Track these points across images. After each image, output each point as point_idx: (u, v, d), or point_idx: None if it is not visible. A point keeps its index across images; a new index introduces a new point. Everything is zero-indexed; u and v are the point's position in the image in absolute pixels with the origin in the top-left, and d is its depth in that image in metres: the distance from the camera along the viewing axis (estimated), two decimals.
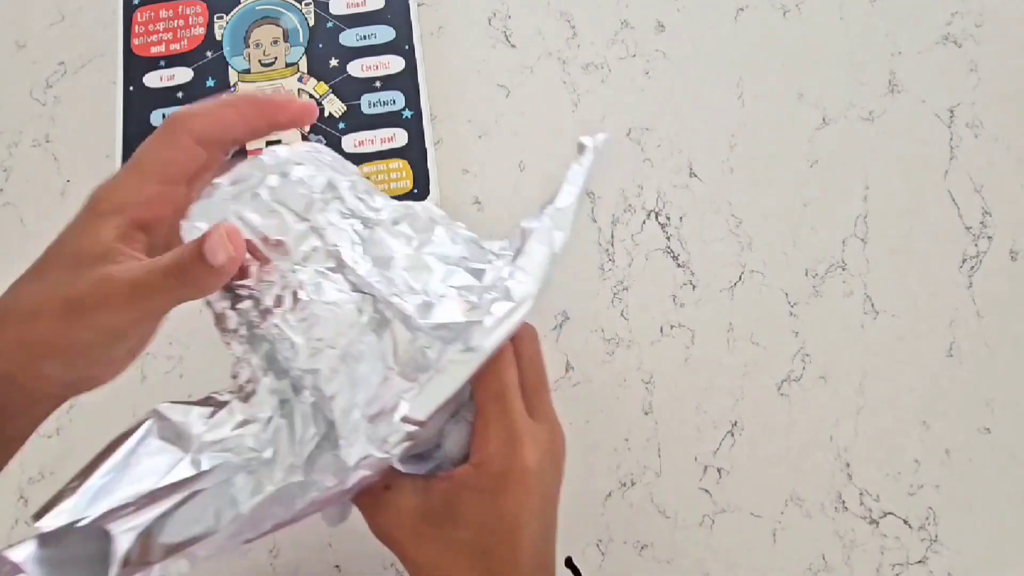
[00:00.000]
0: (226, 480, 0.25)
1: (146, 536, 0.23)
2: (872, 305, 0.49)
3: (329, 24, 0.52)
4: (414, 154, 0.49)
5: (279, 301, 0.27)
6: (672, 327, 0.49)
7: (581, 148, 0.32)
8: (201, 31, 0.52)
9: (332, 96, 0.51)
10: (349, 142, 0.50)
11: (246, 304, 0.28)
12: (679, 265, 0.50)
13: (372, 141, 0.50)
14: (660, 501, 0.46)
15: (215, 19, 0.53)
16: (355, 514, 0.44)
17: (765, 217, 0.50)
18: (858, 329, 0.49)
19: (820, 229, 0.50)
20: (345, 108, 0.50)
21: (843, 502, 0.46)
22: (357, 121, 0.50)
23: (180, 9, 0.53)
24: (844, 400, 0.48)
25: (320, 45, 0.52)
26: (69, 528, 0.22)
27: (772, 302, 0.49)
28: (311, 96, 0.51)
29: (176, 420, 0.25)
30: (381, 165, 0.49)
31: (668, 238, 0.50)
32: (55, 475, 0.46)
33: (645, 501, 0.46)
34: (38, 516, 0.22)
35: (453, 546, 0.27)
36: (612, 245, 0.50)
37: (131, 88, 0.51)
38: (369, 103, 0.50)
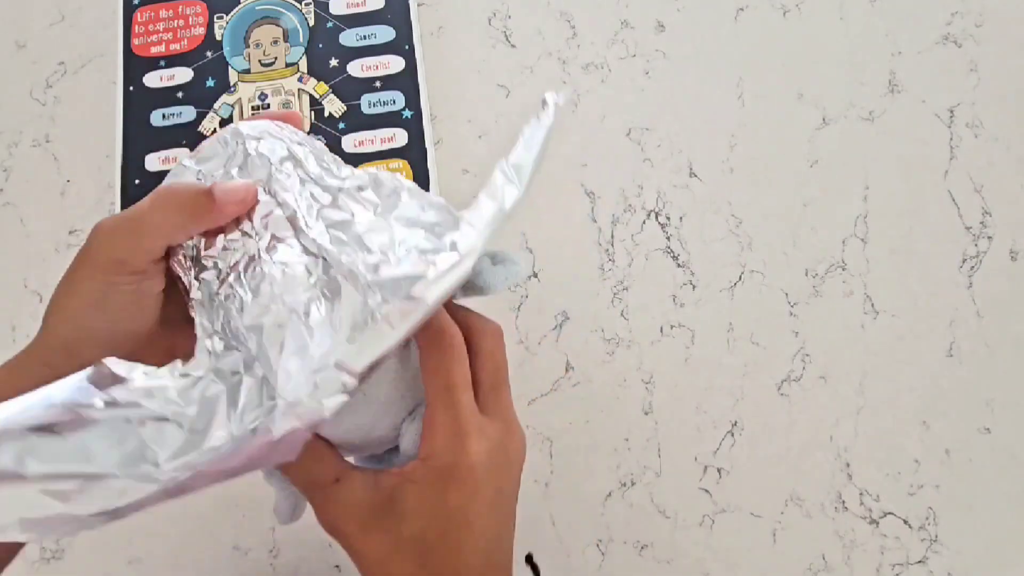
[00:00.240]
0: (132, 421, 0.24)
1: (23, 451, 0.22)
2: (872, 305, 0.49)
3: (329, 24, 0.52)
4: (414, 154, 0.49)
5: (235, 266, 0.28)
6: (672, 327, 0.49)
7: (543, 104, 0.31)
8: (201, 31, 0.53)
9: (332, 96, 0.51)
10: (349, 142, 0.50)
11: (209, 274, 0.28)
12: (679, 265, 0.50)
13: (372, 141, 0.50)
14: (660, 501, 0.46)
15: (215, 19, 0.53)
16: None
17: (765, 217, 0.50)
18: (858, 329, 0.49)
19: (820, 229, 0.50)
20: (345, 108, 0.50)
21: (843, 502, 0.46)
22: (357, 121, 0.50)
23: (180, 9, 0.53)
24: (844, 400, 0.48)
25: (320, 45, 0.52)
26: None
27: (772, 302, 0.49)
28: (311, 96, 0.51)
29: (116, 370, 0.24)
30: (381, 165, 0.49)
31: (668, 238, 0.50)
32: None
33: (645, 501, 0.46)
34: None
35: (398, 540, 0.27)
36: (612, 245, 0.50)
37: (131, 88, 0.51)
38: (369, 103, 0.50)
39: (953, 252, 0.49)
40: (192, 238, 0.29)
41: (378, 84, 0.51)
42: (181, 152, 0.50)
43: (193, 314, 0.29)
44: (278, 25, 0.53)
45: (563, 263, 0.49)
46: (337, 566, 0.47)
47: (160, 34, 0.52)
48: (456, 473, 0.27)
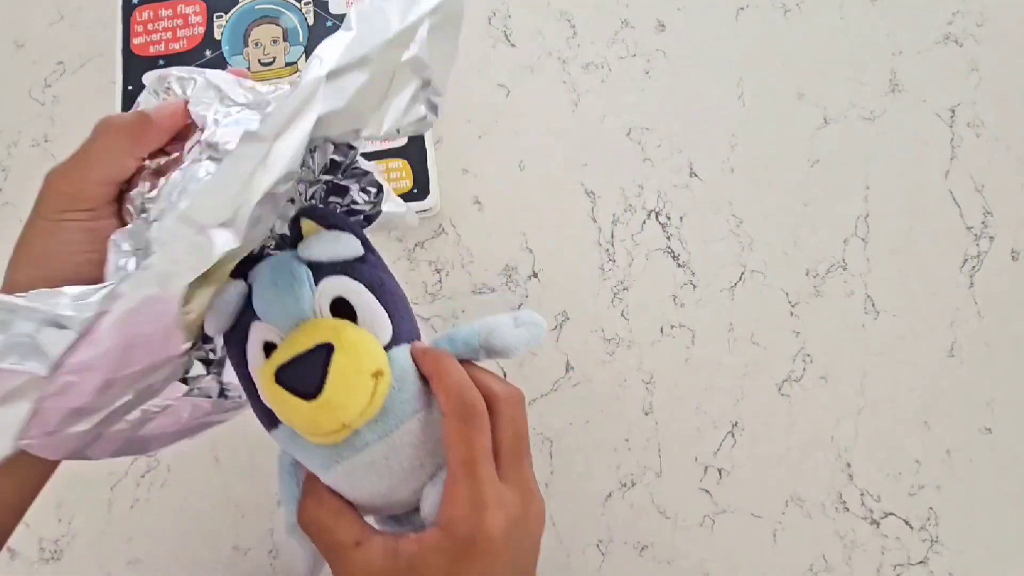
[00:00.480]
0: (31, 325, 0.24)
1: None
2: (873, 305, 0.49)
3: (329, 23, 0.52)
4: (414, 154, 0.49)
5: (157, 182, 0.30)
6: (672, 327, 0.48)
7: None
8: (200, 30, 0.52)
9: None
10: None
11: (136, 191, 0.30)
12: (679, 265, 0.49)
13: (372, 141, 0.49)
14: (660, 501, 0.46)
15: (214, 18, 0.53)
16: None
17: (765, 217, 0.50)
18: (859, 329, 0.48)
19: (821, 229, 0.50)
20: None
21: (844, 502, 0.46)
22: None
23: (179, 8, 0.53)
24: (845, 400, 0.48)
25: None
26: None
27: (772, 302, 0.49)
28: None
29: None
30: (381, 165, 0.49)
31: (668, 238, 0.50)
32: None
33: (645, 501, 0.46)
34: None
35: None
36: (612, 245, 0.50)
37: (130, 88, 0.51)
38: None
39: (954, 252, 0.49)
40: (142, 164, 0.31)
41: None
42: None
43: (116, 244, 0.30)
44: (278, 24, 0.52)
45: (563, 263, 0.49)
46: None
47: (160, 33, 0.52)
48: (475, 545, 0.26)
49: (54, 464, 0.31)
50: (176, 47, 0.52)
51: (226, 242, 0.23)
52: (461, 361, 0.29)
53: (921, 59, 0.52)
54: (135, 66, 0.52)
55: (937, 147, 0.51)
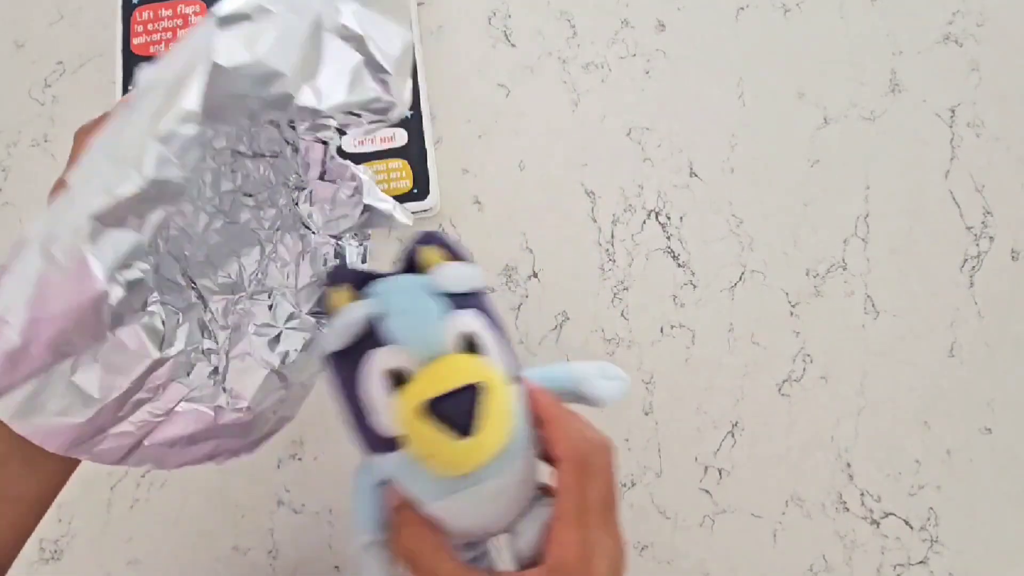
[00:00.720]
0: None
1: None
2: (873, 305, 0.49)
3: None
4: (414, 154, 0.49)
5: None
6: (672, 327, 0.48)
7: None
8: None
9: None
10: (349, 142, 0.50)
11: None
12: (679, 265, 0.49)
13: (372, 140, 0.50)
14: (660, 501, 0.46)
15: None
16: (350, 511, 0.44)
17: (765, 217, 0.50)
18: (859, 329, 0.48)
19: (821, 229, 0.50)
20: None
21: (844, 502, 0.46)
22: None
23: (180, 8, 0.53)
24: (845, 400, 0.48)
25: None
26: None
27: (772, 302, 0.49)
28: None
29: None
30: (381, 165, 0.49)
31: (668, 238, 0.50)
32: None
33: (645, 501, 0.46)
34: None
35: None
36: (612, 245, 0.50)
37: (131, 88, 0.51)
38: None
39: (954, 252, 0.49)
40: None
41: None
42: None
43: None
44: None
45: (563, 263, 0.49)
46: (337, 567, 0.47)
47: (160, 33, 0.52)
48: None
49: (74, 462, 0.31)
50: None
51: (133, 181, 0.24)
52: None
53: (921, 59, 0.52)
54: (135, 66, 0.52)
55: (937, 147, 0.51)
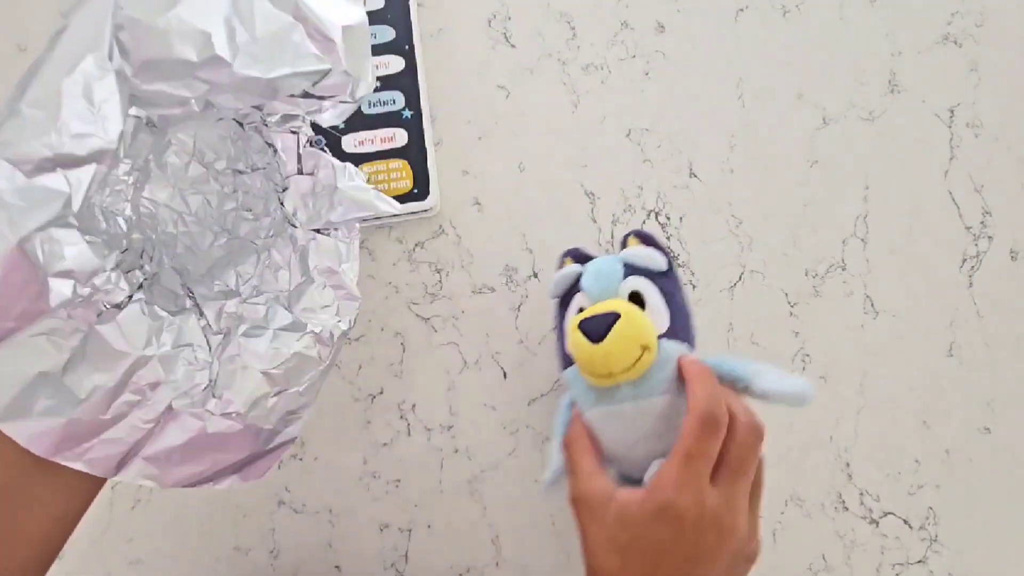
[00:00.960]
0: None
1: None
2: (872, 305, 0.49)
3: None
4: (414, 154, 0.49)
5: None
6: None
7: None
8: None
9: None
10: (349, 142, 0.50)
11: None
12: (679, 265, 0.50)
13: (372, 141, 0.50)
14: None
15: None
16: (353, 509, 0.45)
17: (765, 217, 0.50)
18: (858, 329, 0.49)
19: (820, 229, 0.50)
20: None
21: (843, 502, 0.46)
22: (357, 121, 0.50)
23: None
24: (844, 400, 0.48)
25: None
26: None
27: (772, 302, 0.49)
28: None
29: None
30: (381, 165, 0.49)
31: (668, 238, 0.50)
32: None
33: None
34: None
35: (610, 541, 0.34)
36: (612, 245, 0.50)
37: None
38: (369, 103, 0.50)
39: (953, 252, 0.49)
40: None
41: (378, 84, 0.51)
42: None
43: None
44: None
45: None
46: (337, 566, 0.47)
47: None
48: (664, 513, 0.32)
49: (100, 481, 0.31)
50: None
51: (56, 184, 0.24)
52: (723, 384, 0.36)
53: (920, 59, 0.52)
54: None
55: (936, 147, 0.51)
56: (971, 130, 0.51)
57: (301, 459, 0.48)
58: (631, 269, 0.38)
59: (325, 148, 0.40)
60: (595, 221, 0.50)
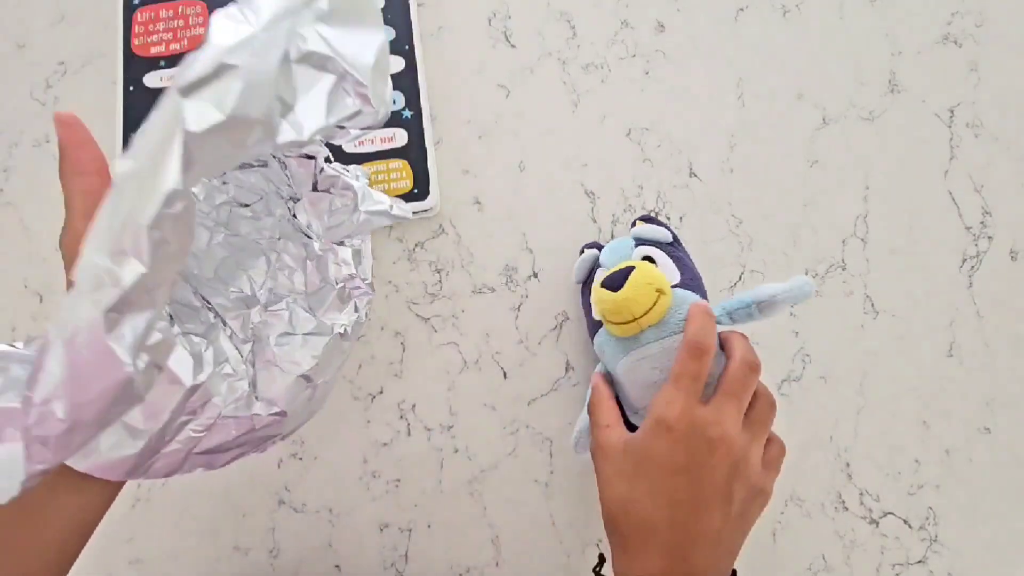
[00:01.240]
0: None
1: None
2: (872, 305, 0.49)
3: None
4: (414, 154, 0.49)
5: None
6: None
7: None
8: (201, 31, 0.52)
9: None
10: (349, 142, 0.50)
11: None
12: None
13: (372, 141, 0.50)
14: None
15: None
16: (353, 509, 0.45)
17: (765, 217, 0.50)
18: (858, 329, 0.49)
19: (820, 229, 0.50)
20: None
21: (843, 502, 0.46)
22: None
23: (180, 9, 0.53)
24: (844, 400, 0.48)
25: None
26: None
27: None
28: None
29: None
30: (381, 165, 0.49)
31: None
32: None
33: None
34: None
35: (619, 469, 0.38)
36: None
37: (131, 88, 0.51)
38: None
39: (953, 252, 0.49)
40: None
41: None
42: None
43: None
44: None
45: (563, 263, 0.49)
46: (337, 566, 0.47)
47: (160, 34, 0.52)
48: (659, 425, 0.36)
49: (117, 486, 0.32)
50: (177, 48, 0.52)
51: (134, 269, 0.25)
52: (737, 321, 0.39)
53: (920, 59, 0.52)
54: (136, 66, 0.52)
55: (936, 147, 0.51)
56: (971, 130, 0.51)
57: (301, 459, 0.48)
58: (641, 241, 0.43)
59: (330, 158, 0.40)
60: (595, 221, 0.50)
